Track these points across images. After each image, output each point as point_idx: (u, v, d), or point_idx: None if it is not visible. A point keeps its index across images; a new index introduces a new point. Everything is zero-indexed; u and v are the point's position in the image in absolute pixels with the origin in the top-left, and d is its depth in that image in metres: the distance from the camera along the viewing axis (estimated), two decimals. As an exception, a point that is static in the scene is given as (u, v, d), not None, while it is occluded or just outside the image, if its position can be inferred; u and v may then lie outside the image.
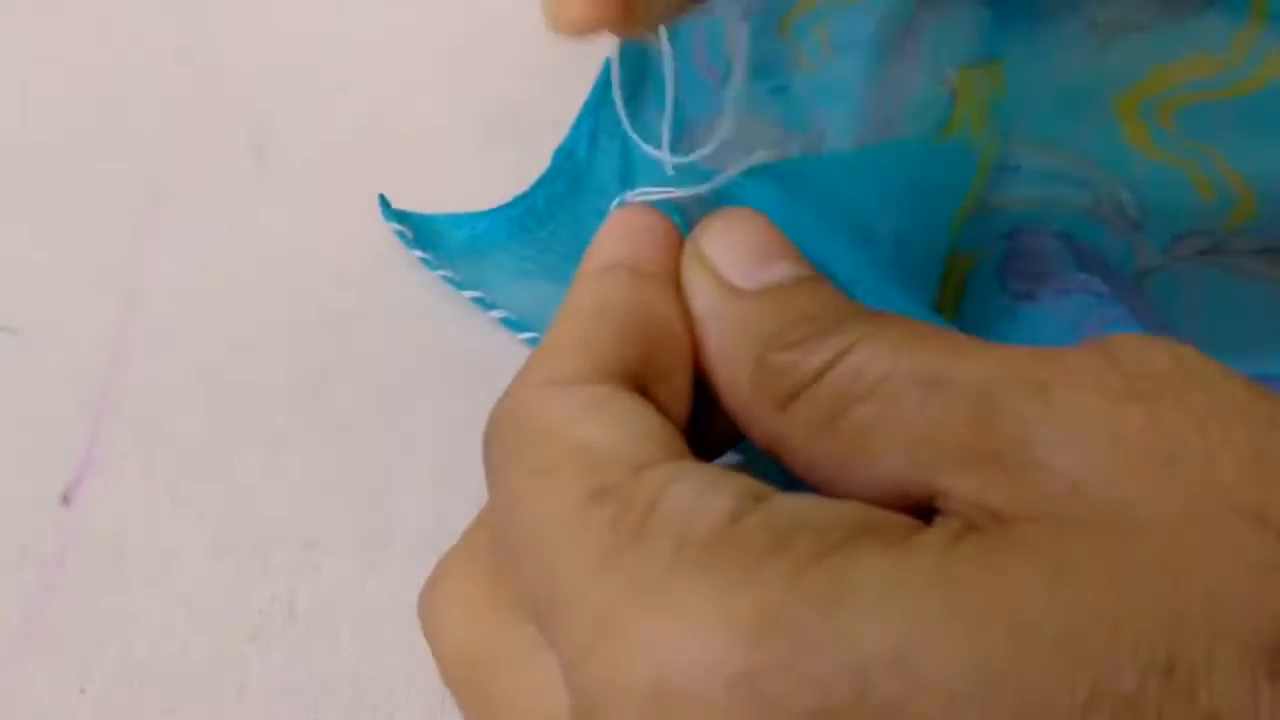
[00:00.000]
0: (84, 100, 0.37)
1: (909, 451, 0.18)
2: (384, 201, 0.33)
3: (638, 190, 0.24)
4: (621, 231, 0.23)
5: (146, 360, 0.31)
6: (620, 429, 0.19)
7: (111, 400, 0.30)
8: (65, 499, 0.28)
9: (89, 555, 0.27)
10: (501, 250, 0.33)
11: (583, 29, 0.22)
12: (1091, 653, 0.15)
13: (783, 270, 0.21)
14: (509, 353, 0.31)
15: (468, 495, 0.28)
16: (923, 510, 0.18)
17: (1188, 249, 0.32)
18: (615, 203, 0.24)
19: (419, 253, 0.32)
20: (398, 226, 0.32)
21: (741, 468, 0.22)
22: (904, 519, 0.18)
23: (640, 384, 0.21)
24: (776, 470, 0.21)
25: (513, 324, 0.31)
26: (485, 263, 0.33)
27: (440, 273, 0.32)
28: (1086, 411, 0.17)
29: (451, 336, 0.31)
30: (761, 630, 0.16)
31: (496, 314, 0.31)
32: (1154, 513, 0.16)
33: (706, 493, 0.18)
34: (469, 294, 0.31)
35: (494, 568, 0.20)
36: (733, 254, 0.22)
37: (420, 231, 0.33)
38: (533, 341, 0.30)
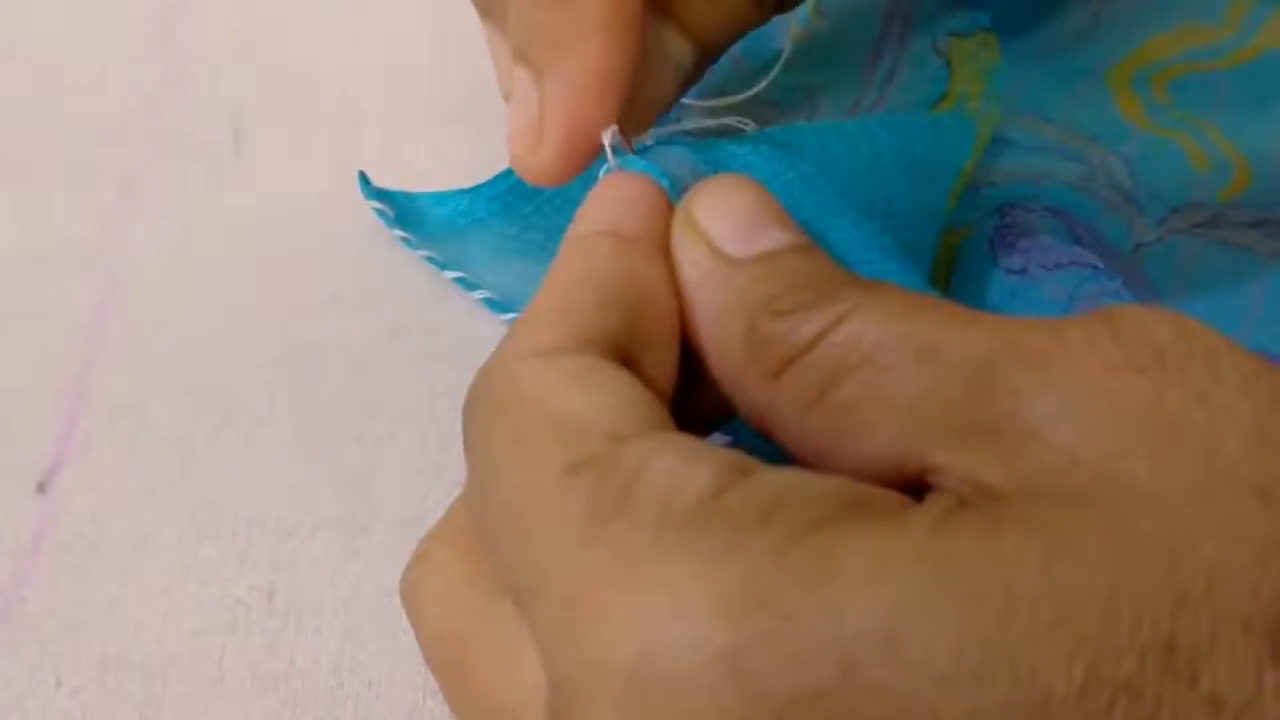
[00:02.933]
0: (59, 79, 0.36)
1: (902, 424, 0.18)
2: (364, 179, 0.32)
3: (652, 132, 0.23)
4: (609, 198, 0.22)
5: (124, 344, 0.30)
6: (600, 399, 0.19)
7: (88, 386, 0.29)
8: (41, 487, 0.27)
9: (65, 544, 0.27)
10: (483, 228, 0.32)
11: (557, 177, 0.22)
12: (1088, 632, 0.15)
13: (776, 237, 0.21)
14: (492, 334, 0.30)
15: (449, 479, 0.28)
16: (916, 487, 0.18)
17: (1183, 222, 0.31)
18: (604, 170, 0.23)
19: (399, 232, 0.31)
20: (378, 205, 0.32)
21: (730, 446, 0.22)
22: (895, 495, 0.17)
23: (625, 354, 0.20)
24: (766, 448, 0.20)
25: (495, 305, 0.30)
26: (467, 241, 0.32)
27: (421, 253, 0.31)
28: (1087, 383, 0.17)
29: (433, 317, 0.31)
30: (745, 607, 0.15)
31: (479, 294, 0.30)
32: (1155, 487, 0.16)
33: (689, 465, 0.17)
34: (451, 274, 0.30)
35: (475, 545, 0.20)
36: (725, 220, 0.21)
37: (401, 210, 0.32)
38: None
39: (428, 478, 0.28)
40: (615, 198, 0.22)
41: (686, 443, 0.18)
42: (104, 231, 0.32)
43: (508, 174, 0.33)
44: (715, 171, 0.23)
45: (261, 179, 0.34)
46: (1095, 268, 0.29)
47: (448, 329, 0.31)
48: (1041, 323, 0.18)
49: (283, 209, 0.33)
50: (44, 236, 0.32)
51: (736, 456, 0.17)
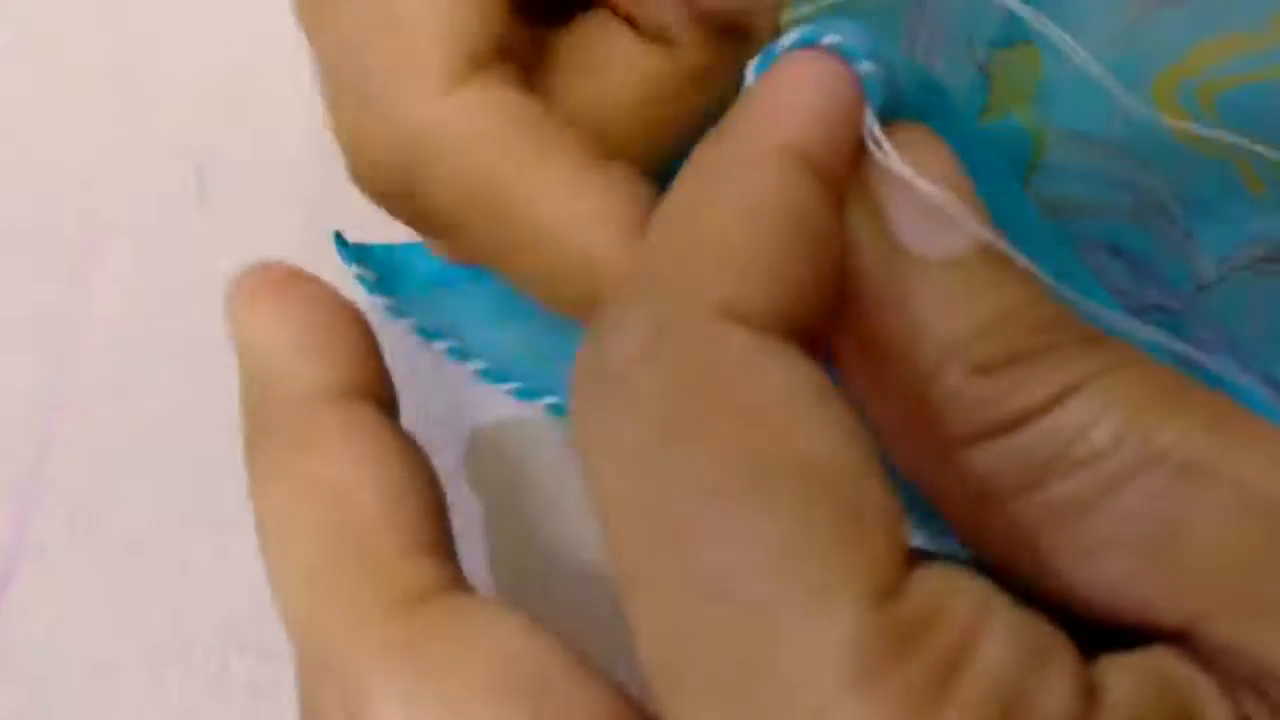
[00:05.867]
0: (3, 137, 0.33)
1: (1152, 564, 0.14)
2: (339, 240, 0.29)
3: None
4: (810, 92, 0.16)
5: (81, 431, 0.27)
6: (858, 456, 0.13)
7: (42, 481, 0.26)
8: (-10, 602, 0.25)
9: (17, 671, 0.24)
10: (475, 283, 0.29)
11: None
12: None
13: (968, 233, 0.15)
14: (499, 407, 0.27)
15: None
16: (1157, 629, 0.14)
17: (1246, 257, 0.28)
18: (783, 44, 0.16)
19: (382, 299, 0.28)
20: (358, 270, 0.29)
21: None
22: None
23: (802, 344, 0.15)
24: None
25: (492, 375, 0.27)
26: (458, 299, 0.29)
27: (406, 321, 0.28)
28: None
29: (430, 387, 0.28)
30: None
31: (473, 366, 0.27)
32: None
33: (1036, 666, 0.12)
34: (440, 345, 0.28)
35: None
36: (909, 202, 0.15)
37: (382, 269, 0.29)
38: (520, 394, 0.27)
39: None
40: (817, 94, 0.16)
41: (1011, 611, 0.13)
42: (57, 302, 0.29)
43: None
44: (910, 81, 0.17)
45: (230, 234, 0.31)
46: (1176, 314, 0.26)
47: (446, 399, 0.28)
48: None
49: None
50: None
51: (1075, 651, 0.13)
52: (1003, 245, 0.15)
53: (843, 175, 0.16)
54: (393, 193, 0.20)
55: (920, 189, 0.15)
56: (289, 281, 0.20)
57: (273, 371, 0.19)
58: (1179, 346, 0.16)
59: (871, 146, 0.16)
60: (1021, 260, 0.16)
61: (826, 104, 0.16)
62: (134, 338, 0.29)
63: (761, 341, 0.14)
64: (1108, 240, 0.28)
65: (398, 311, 0.28)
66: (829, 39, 0.16)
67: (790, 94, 0.16)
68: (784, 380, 0.14)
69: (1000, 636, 0.13)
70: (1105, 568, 0.14)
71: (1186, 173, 0.30)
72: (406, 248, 0.30)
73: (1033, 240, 0.17)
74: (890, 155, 0.16)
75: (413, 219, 0.21)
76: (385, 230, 0.29)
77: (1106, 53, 0.32)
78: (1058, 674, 0.13)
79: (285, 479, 0.18)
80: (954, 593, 0.13)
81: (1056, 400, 0.14)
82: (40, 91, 0.34)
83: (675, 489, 0.13)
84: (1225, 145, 0.31)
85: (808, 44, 0.16)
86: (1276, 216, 0.29)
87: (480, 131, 0.18)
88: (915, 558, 0.13)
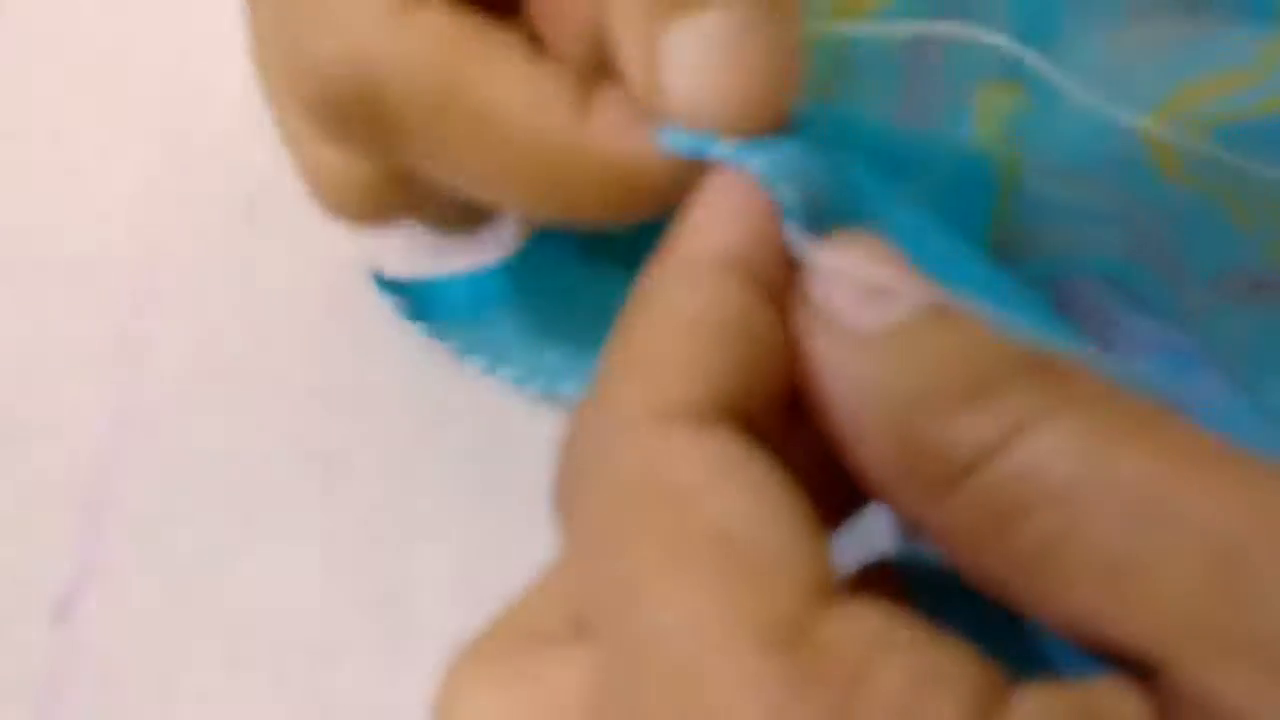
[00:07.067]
0: (59, 165, 0.34)
1: (1115, 596, 0.14)
2: (377, 277, 0.30)
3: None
4: (733, 213, 0.18)
5: (145, 451, 0.29)
6: (768, 514, 0.15)
7: (106, 504, 0.28)
8: (59, 616, 0.26)
9: (88, 681, 0.25)
10: (509, 307, 0.31)
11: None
12: None
13: (905, 301, 0.17)
14: (543, 425, 0.28)
15: (502, 588, 0.26)
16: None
17: (1233, 285, 0.30)
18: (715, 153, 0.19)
19: (422, 325, 0.30)
20: (395, 301, 0.30)
21: None
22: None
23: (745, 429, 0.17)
24: None
25: (523, 380, 0.28)
26: (495, 327, 0.30)
27: (448, 344, 0.29)
28: None
29: (477, 407, 0.29)
30: None
31: (505, 373, 0.28)
32: None
33: (929, 687, 0.13)
34: (474, 361, 0.29)
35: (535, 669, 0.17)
36: (842, 290, 0.17)
37: (419, 300, 0.30)
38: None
39: (475, 588, 0.26)
40: (740, 214, 0.18)
41: (912, 638, 0.14)
42: (117, 331, 0.31)
43: (531, 244, 0.31)
44: (838, 189, 0.19)
45: (281, 258, 0.32)
46: (1189, 358, 0.27)
47: (494, 419, 0.29)
48: None
49: (306, 291, 0.32)
50: (53, 341, 0.30)
51: (982, 672, 0.14)
52: (944, 296, 0.17)
53: (777, 275, 0.18)
54: (346, 113, 0.21)
55: (851, 270, 0.17)
56: None
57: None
58: (1164, 383, 0.18)
59: (798, 253, 0.18)
60: (968, 307, 0.16)
61: (749, 223, 0.18)
62: (193, 360, 0.30)
63: (694, 433, 0.16)
64: (1098, 271, 0.30)
65: (435, 335, 0.30)
66: (754, 163, 0.18)
67: (716, 216, 0.18)
68: (708, 463, 0.15)
69: (896, 665, 0.14)
70: (1081, 600, 0.15)
71: (1178, 208, 0.32)
72: (441, 281, 0.31)
73: (1001, 302, 0.19)
74: (816, 256, 0.18)
75: (369, 138, 0.21)
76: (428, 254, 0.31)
77: (1092, 97, 0.34)
78: (951, 698, 0.13)
79: None
80: (855, 628, 0.14)
81: (1005, 440, 0.15)
82: (94, 119, 0.35)
83: (622, 568, 0.15)
84: (1215, 182, 0.32)
85: (736, 160, 0.19)
86: (1265, 250, 0.31)
87: (434, 45, 0.20)
88: (836, 596, 0.15)
